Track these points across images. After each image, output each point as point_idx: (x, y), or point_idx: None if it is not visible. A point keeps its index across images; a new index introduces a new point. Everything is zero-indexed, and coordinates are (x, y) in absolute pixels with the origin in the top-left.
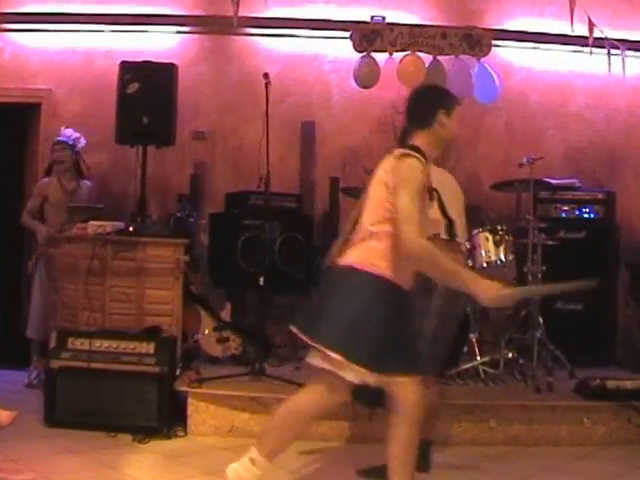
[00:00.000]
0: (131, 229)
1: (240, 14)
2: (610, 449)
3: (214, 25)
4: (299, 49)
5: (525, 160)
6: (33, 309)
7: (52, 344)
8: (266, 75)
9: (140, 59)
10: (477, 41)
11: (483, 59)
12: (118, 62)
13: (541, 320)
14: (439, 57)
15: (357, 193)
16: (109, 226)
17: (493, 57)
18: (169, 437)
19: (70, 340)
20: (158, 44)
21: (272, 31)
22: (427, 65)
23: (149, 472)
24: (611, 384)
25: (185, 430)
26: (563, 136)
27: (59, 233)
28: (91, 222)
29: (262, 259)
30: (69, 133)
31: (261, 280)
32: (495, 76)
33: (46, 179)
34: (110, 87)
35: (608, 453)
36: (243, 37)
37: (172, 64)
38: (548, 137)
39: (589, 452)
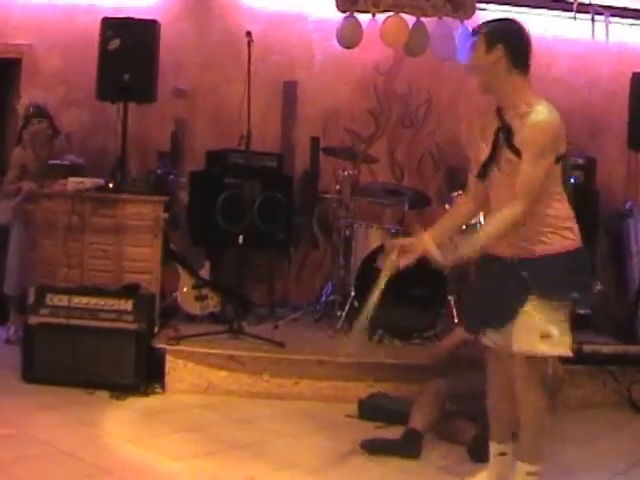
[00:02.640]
0: (111, 186)
1: None
2: (586, 412)
3: None
4: (282, 8)
5: None
6: (10, 265)
7: (30, 300)
8: (249, 33)
9: (122, 15)
10: (461, 3)
11: (466, 21)
12: (100, 18)
13: None
14: (422, 19)
15: (337, 153)
16: (88, 182)
17: (477, 20)
18: (146, 394)
19: (48, 296)
20: (140, 1)
21: None
22: (410, 26)
23: (126, 429)
24: (587, 348)
25: (163, 387)
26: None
27: (39, 189)
28: (71, 179)
29: (242, 218)
30: (40, 96)
31: (240, 239)
32: None
33: (21, 150)
34: (91, 44)
35: (585, 416)
36: None
37: (154, 21)
38: None
39: (565, 415)
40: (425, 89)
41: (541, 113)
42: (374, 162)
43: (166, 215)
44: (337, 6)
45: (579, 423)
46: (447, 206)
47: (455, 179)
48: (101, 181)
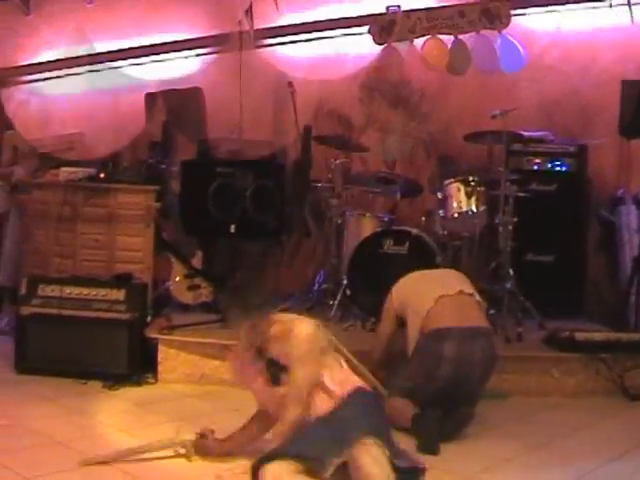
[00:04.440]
0: (102, 176)
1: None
2: (579, 400)
3: (232, 43)
4: (320, 52)
5: (498, 112)
6: (4, 255)
7: (22, 291)
8: (290, 84)
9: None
10: (496, 14)
11: (504, 31)
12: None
13: (511, 271)
14: (460, 36)
15: (329, 141)
16: (80, 172)
17: (514, 27)
18: (139, 384)
19: (41, 287)
20: (181, 70)
21: (290, 38)
22: (450, 46)
23: (119, 419)
24: (580, 336)
25: (155, 377)
26: (537, 88)
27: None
28: (62, 169)
29: (233, 207)
30: None
31: (232, 228)
32: (519, 45)
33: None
34: (139, 120)
35: (577, 404)
36: (262, 49)
37: (196, 88)
38: (522, 89)
39: (558, 402)
40: (476, 106)
41: None
42: (365, 151)
43: (158, 204)
44: (374, 40)
45: (573, 411)
46: (439, 194)
47: (447, 167)
48: (93, 171)
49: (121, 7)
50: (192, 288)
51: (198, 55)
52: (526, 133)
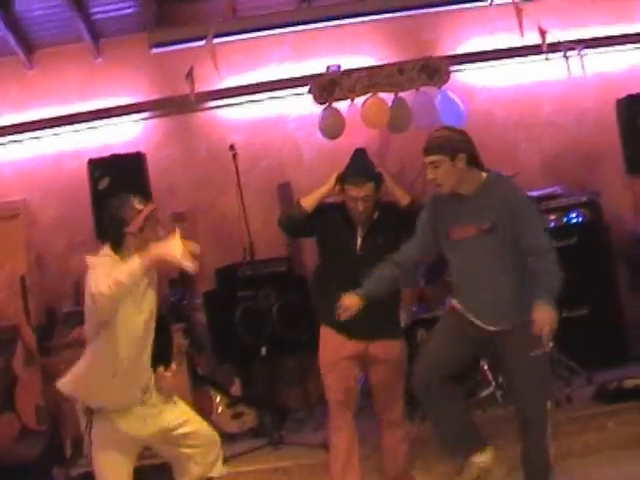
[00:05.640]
0: None
1: (197, 90)
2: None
3: (173, 106)
4: (262, 113)
5: None
6: None
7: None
8: (232, 147)
9: (107, 154)
10: (435, 70)
11: (444, 86)
12: (86, 161)
13: None
14: (400, 93)
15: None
16: None
17: (454, 83)
18: None
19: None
20: (123, 137)
21: (232, 100)
22: (390, 104)
23: None
24: (628, 384)
25: None
26: (537, 146)
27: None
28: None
29: (262, 328)
30: None
31: (263, 350)
32: (459, 101)
33: None
34: (82, 187)
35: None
36: (205, 112)
37: (138, 153)
38: (522, 150)
39: (620, 455)
40: (418, 163)
41: None
42: None
43: (187, 341)
44: (314, 100)
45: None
46: None
47: None
48: None
49: (62, 73)
50: (236, 417)
51: (140, 120)
52: (535, 193)
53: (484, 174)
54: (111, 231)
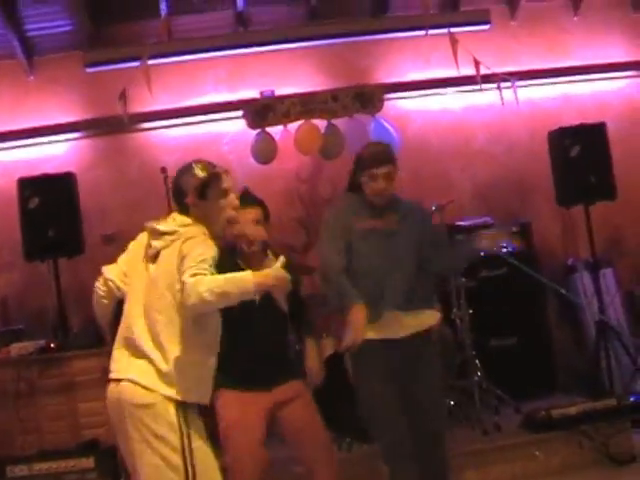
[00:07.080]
0: (52, 345)
1: (130, 111)
2: (567, 477)
3: (106, 127)
4: (195, 133)
5: (434, 207)
6: None
7: None
8: (164, 169)
9: (37, 172)
10: (369, 98)
11: (378, 114)
12: (16, 179)
13: (478, 363)
14: (333, 120)
15: None
16: (31, 346)
17: (388, 110)
18: None
19: (8, 468)
20: (53, 154)
21: (165, 122)
22: (323, 130)
23: None
24: (556, 413)
25: None
26: (469, 175)
27: None
28: (13, 345)
29: None
30: None
31: None
32: (392, 129)
33: None
34: (11, 205)
35: None
36: (138, 133)
37: (69, 173)
38: (455, 178)
39: None
40: None
41: None
42: (311, 272)
43: None
44: (248, 124)
45: None
46: None
47: None
48: (42, 342)
49: None
50: None
51: (72, 139)
52: (465, 222)
53: None
54: (175, 201)
